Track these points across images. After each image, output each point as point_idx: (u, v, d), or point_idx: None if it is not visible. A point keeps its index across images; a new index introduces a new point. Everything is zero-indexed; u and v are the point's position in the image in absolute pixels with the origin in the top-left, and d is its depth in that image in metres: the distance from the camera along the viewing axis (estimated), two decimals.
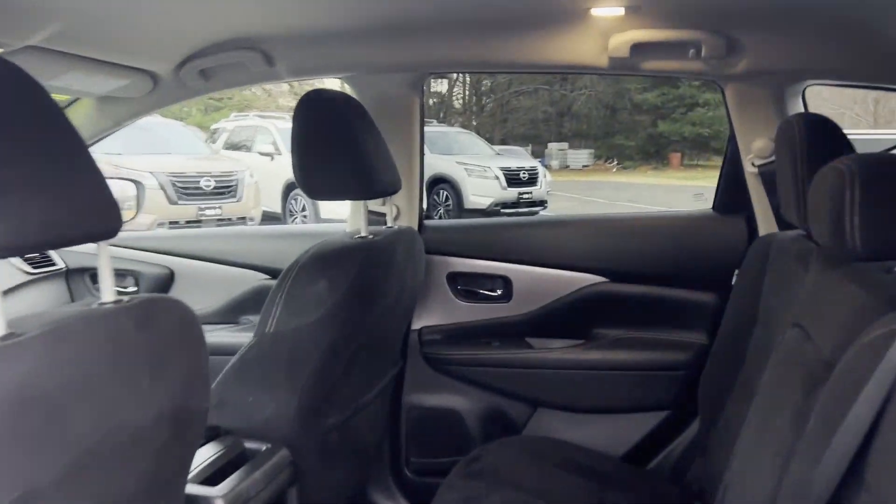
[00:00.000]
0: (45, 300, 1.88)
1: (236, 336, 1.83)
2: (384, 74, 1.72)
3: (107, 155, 7.60)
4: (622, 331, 1.78)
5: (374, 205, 1.73)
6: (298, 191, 8.38)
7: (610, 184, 15.08)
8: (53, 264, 1.92)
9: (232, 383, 1.25)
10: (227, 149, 9.78)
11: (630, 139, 20.87)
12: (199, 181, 7.65)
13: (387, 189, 1.40)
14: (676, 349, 1.73)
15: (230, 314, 1.98)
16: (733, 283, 1.58)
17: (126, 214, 2.27)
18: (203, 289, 2.00)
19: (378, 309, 1.40)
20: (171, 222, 7.09)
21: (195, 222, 7.47)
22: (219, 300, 1.98)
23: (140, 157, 7.56)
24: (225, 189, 7.79)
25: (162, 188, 7.41)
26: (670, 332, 1.75)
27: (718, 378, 1.42)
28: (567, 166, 18.75)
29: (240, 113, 11.97)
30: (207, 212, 7.64)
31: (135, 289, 2.01)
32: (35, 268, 1.88)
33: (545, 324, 1.82)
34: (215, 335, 1.86)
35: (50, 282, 1.92)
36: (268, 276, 1.95)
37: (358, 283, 1.27)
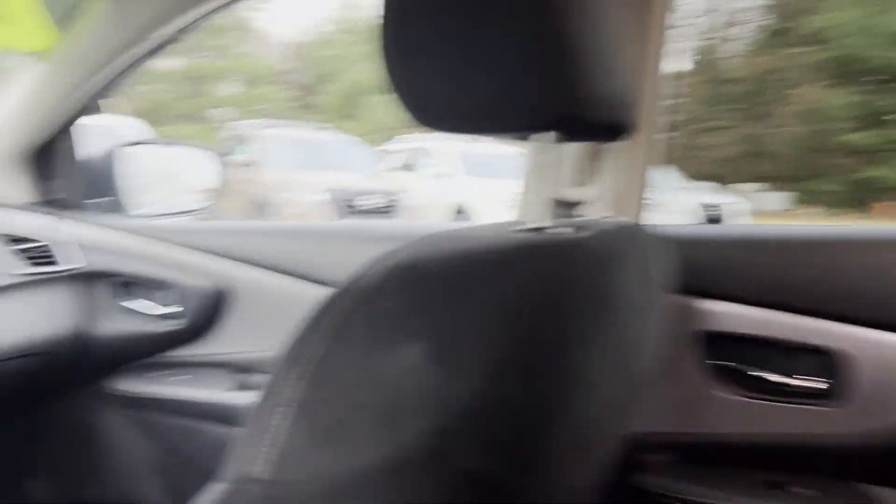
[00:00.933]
0: (40, 314, 1.23)
1: None
2: None
3: (279, 168, 7.69)
4: None
5: (564, 183, 0.88)
6: (463, 215, 7.95)
7: None
8: (55, 262, 1.27)
9: None
10: (395, 170, 9.68)
11: (834, 183, 18.50)
12: (357, 199, 7.51)
13: (614, 124, 0.54)
14: None
15: None
16: None
17: (203, 196, 1.57)
18: (276, 315, 1.25)
19: (580, 402, 0.50)
20: None
21: None
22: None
23: (308, 171, 7.71)
24: (384, 209, 7.53)
25: (321, 205, 7.43)
26: None
27: None
28: (761, 210, 17.03)
29: (410, 136, 11.92)
30: None
31: (181, 308, 1.30)
32: (35, 265, 1.24)
33: None
34: None
35: (56, 286, 1.27)
36: None
37: (530, 339, 0.41)
